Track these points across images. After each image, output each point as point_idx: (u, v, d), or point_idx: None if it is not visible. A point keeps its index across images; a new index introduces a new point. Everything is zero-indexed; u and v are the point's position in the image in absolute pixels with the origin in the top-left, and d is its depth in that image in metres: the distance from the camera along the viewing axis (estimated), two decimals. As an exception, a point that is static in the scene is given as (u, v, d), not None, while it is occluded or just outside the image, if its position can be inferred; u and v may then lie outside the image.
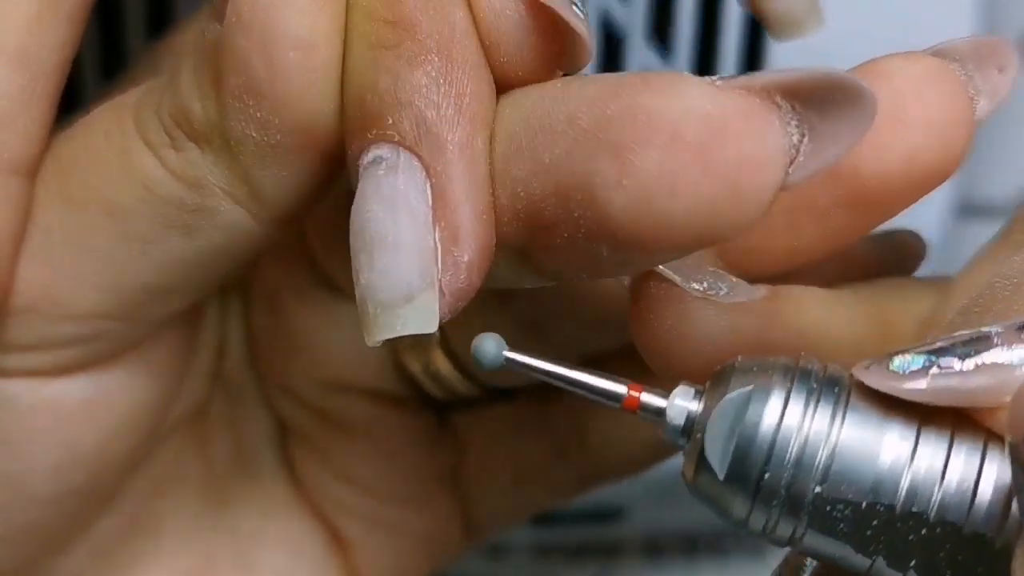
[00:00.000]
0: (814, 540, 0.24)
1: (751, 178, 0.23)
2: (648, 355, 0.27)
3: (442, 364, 0.32)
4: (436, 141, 0.25)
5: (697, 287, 0.26)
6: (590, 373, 0.25)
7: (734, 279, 0.27)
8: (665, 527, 0.47)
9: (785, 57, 0.40)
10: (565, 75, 0.26)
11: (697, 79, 0.24)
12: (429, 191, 0.25)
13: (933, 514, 0.23)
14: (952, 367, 0.23)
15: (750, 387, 0.24)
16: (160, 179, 0.27)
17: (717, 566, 0.48)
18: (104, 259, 0.27)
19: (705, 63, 0.41)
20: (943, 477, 0.23)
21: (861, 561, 0.24)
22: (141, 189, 0.27)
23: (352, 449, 0.33)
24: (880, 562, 0.24)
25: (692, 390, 0.25)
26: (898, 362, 0.24)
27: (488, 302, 0.28)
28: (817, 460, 0.23)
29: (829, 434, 0.23)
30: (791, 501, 0.24)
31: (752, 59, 0.41)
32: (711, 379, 0.25)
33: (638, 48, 0.41)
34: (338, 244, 0.26)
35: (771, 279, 0.28)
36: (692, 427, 0.24)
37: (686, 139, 0.23)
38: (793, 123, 0.24)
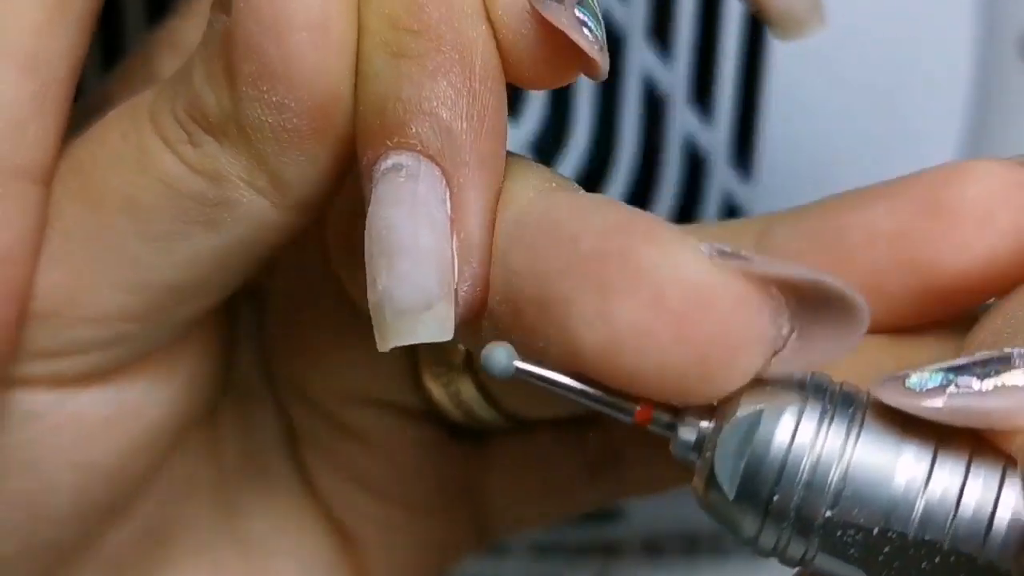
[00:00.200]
0: (825, 562, 0.23)
1: (724, 358, 0.23)
2: None
3: (466, 390, 0.32)
4: (459, 152, 0.25)
5: None
6: (602, 387, 0.24)
7: None
8: (665, 527, 0.47)
9: (785, 57, 0.40)
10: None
11: (698, 248, 0.24)
12: (449, 201, 0.25)
13: (947, 543, 0.23)
14: (970, 386, 0.23)
15: (762, 405, 0.23)
16: (180, 175, 0.27)
17: (717, 566, 0.48)
18: (126, 259, 0.27)
19: (705, 63, 0.41)
20: (958, 504, 0.23)
21: None
22: (161, 186, 0.27)
23: (367, 456, 0.33)
24: None
25: (705, 406, 0.24)
26: (915, 379, 0.23)
27: None
28: (828, 483, 0.23)
29: (842, 456, 0.23)
30: (801, 523, 0.23)
31: (752, 59, 0.41)
32: (723, 396, 0.24)
33: (638, 48, 0.41)
34: (355, 258, 0.26)
35: None
36: (703, 443, 0.24)
37: (667, 303, 0.23)
38: (784, 316, 0.24)
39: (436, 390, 0.32)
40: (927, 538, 0.23)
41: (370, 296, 0.25)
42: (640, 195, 0.42)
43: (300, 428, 0.34)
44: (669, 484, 0.34)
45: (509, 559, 0.46)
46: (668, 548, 0.47)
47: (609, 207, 0.25)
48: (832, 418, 0.23)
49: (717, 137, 0.41)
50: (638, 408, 0.24)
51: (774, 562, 0.25)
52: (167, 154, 0.27)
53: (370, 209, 0.25)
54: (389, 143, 0.25)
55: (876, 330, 0.26)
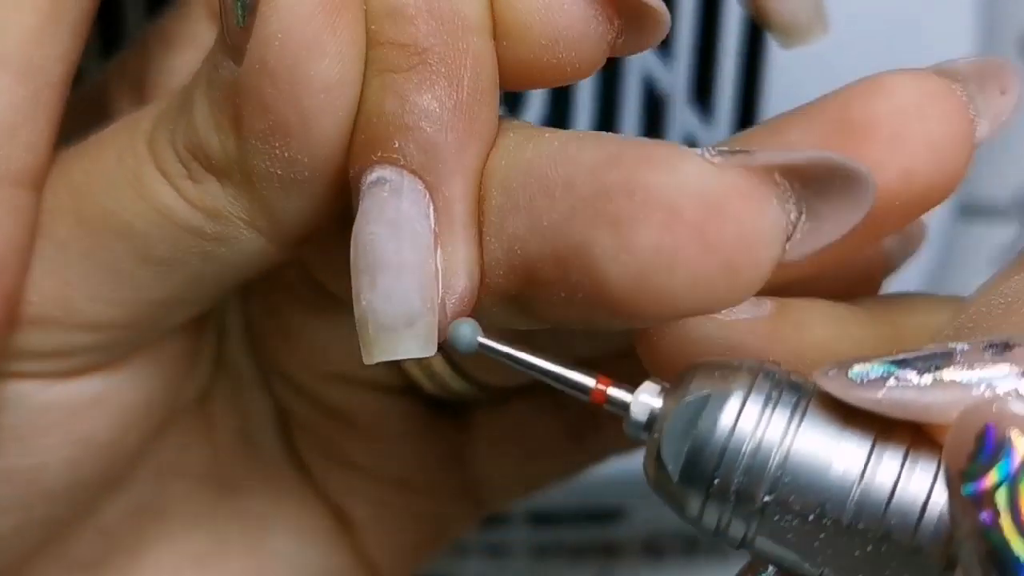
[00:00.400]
0: (764, 545, 0.24)
1: (748, 256, 0.23)
2: (650, 368, 0.27)
3: (438, 365, 0.32)
4: (444, 167, 0.25)
5: None
6: (561, 365, 0.25)
7: None
8: (665, 527, 0.47)
9: (785, 57, 0.40)
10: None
11: (696, 155, 0.24)
12: (432, 215, 0.25)
13: (880, 532, 0.23)
14: (910, 380, 0.23)
15: (708, 391, 0.24)
16: (178, 208, 0.27)
17: (717, 566, 0.48)
18: (119, 277, 0.28)
19: (705, 63, 0.41)
20: (892, 494, 0.23)
21: (810, 571, 0.24)
22: (158, 216, 0.27)
23: (353, 436, 0.33)
24: (828, 574, 0.24)
25: (658, 387, 0.25)
26: (857, 370, 0.23)
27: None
28: (767, 468, 0.23)
29: (782, 443, 0.23)
30: (741, 507, 0.24)
31: (752, 59, 0.41)
32: (676, 379, 0.25)
33: (638, 48, 0.41)
34: (328, 253, 0.26)
35: (779, 288, 0.28)
36: (653, 424, 0.25)
37: (684, 217, 0.23)
38: (791, 201, 0.24)
39: (411, 366, 0.32)
40: (861, 527, 0.23)
41: (355, 310, 0.25)
42: (640, 195, 0.42)
43: (289, 411, 0.34)
44: None
45: (509, 559, 0.47)
46: (668, 548, 0.47)
47: (590, 142, 0.25)
48: (776, 405, 0.24)
49: (717, 136, 0.41)
50: (594, 387, 0.25)
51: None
52: (165, 187, 0.27)
53: (355, 223, 0.25)
54: (374, 157, 0.25)
55: (813, 267, 0.26)
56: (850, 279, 0.30)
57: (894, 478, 0.23)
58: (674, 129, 0.41)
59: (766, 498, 0.23)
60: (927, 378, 0.23)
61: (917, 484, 0.23)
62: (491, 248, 0.25)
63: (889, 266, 0.31)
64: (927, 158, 0.25)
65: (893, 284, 0.32)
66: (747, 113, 0.41)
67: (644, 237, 0.23)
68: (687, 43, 0.41)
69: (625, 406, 0.25)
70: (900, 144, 0.25)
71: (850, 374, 0.23)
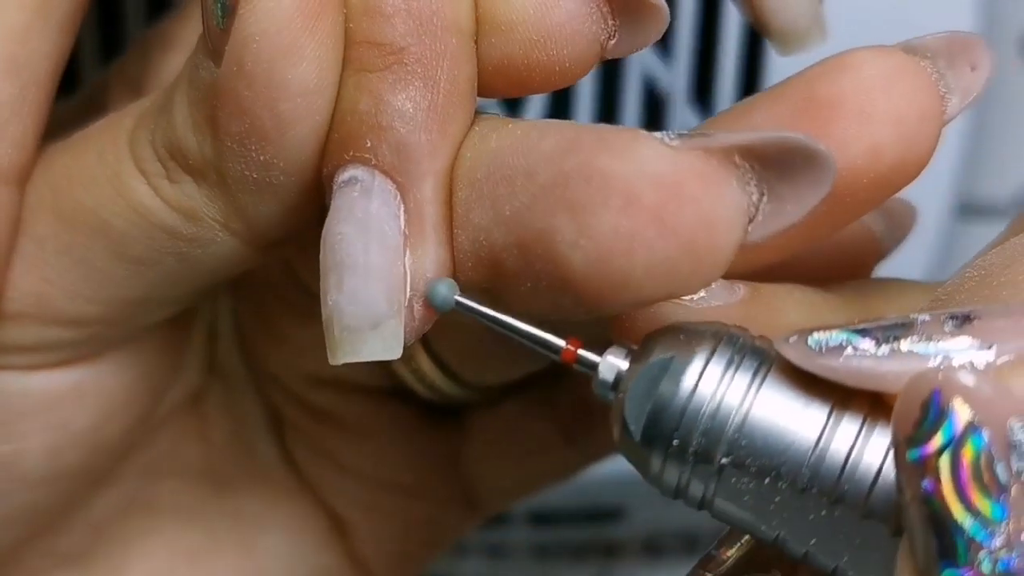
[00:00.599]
0: (722, 506, 0.24)
1: (708, 239, 0.23)
2: None
3: (426, 366, 0.32)
4: (416, 168, 0.25)
5: None
6: (534, 325, 0.25)
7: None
8: (665, 527, 0.47)
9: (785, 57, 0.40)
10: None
11: (654, 139, 0.24)
12: (402, 216, 0.25)
13: (833, 498, 0.23)
14: (867, 349, 0.23)
15: (672, 353, 0.24)
16: (155, 208, 0.27)
17: (717, 566, 0.48)
18: (96, 274, 0.28)
19: (705, 63, 0.41)
20: (846, 462, 0.23)
21: (766, 533, 0.24)
22: (135, 215, 0.27)
23: (344, 438, 0.33)
24: (784, 536, 0.24)
25: (625, 349, 0.25)
26: (816, 337, 0.23)
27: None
28: (726, 431, 0.24)
29: (741, 406, 0.24)
30: (699, 468, 0.24)
31: (752, 59, 0.41)
32: (642, 341, 0.25)
33: (638, 48, 0.41)
34: (312, 254, 0.26)
35: (755, 273, 0.28)
36: (619, 384, 0.25)
37: (641, 201, 0.23)
38: (752, 183, 0.24)
39: (400, 368, 0.32)
40: (815, 491, 0.23)
41: (323, 310, 0.25)
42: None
43: (281, 413, 0.34)
44: None
45: (509, 559, 0.47)
46: (668, 548, 0.47)
47: (550, 130, 0.25)
48: (737, 369, 0.24)
49: (717, 137, 0.41)
50: (565, 347, 0.25)
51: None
52: (143, 185, 0.27)
53: (326, 222, 0.25)
54: (346, 156, 0.25)
55: (785, 249, 0.26)
56: (840, 264, 0.30)
57: (849, 445, 0.23)
58: (674, 128, 0.41)
59: (723, 460, 0.24)
60: (884, 348, 0.23)
61: (872, 451, 0.23)
62: (459, 240, 0.25)
63: (880, 251, 0.31)
64: (894, 134, 0.25)
65: (893, 284, 0.32)
66: (747, 113, 0.41)
67: (602, 222, 0.23)
68: (687, 43, 0.41)
69: (594, 366, 0.25)
70: (866, 120, 0.25)
71: (809, 341, 0.23)
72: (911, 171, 0.26)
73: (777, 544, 0.24)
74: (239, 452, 0.34)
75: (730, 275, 0.27)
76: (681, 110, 0.41)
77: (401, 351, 0.25)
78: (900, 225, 0.32)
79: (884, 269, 0.32)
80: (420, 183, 0.25)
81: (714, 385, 0.24)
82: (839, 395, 0.24)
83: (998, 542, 0.21)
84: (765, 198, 0.24)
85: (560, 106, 0.41)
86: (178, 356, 0.32)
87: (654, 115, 0.41)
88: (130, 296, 0.28)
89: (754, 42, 0.41)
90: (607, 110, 0.41)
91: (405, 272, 0.25)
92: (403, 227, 0.25)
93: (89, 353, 0.29)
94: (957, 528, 0.21)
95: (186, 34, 0.32)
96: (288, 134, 0.25)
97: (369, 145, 0.25)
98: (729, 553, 0.26)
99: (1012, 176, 0.46)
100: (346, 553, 0.34)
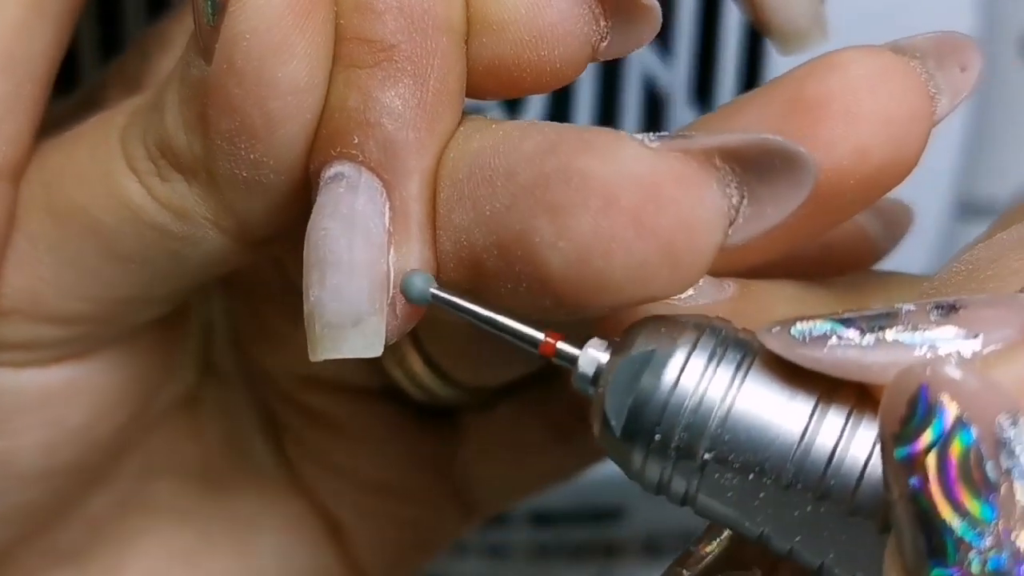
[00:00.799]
0: (705, 502, 0.24)
1: (687, 242, 0.23)
2: None
3: (418, 368, 0.32)
4: (403, 165, 0.25)
5: None
6: (512, 318, 0.25)
7: (701, 279, 0.27)
8: (665, 527, 0.47)
9: (785, 57, 0.40)
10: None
11: (634, 140, 0.24)
12: (388, 213, 0.25)
13: (819, 493, 0.23)
14: (852, 339, 0.23)
15: (653, 346, 0.24)
16: (146, 206, 0.27)
17: (717, 566, 0.48)
18: (87, 273, 0.28)
19: (705, 63, 0.41)
20: (832, 456, 0.23)
21: (750, 530, 0.24)
22: (126, 212, 0.27)
23: (338, 440, 0.33)
24: (768, 533, 0.24)
25: (606, 343, 0.25)
26: (800, 327, 0.23)
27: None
28: (708, 425, 0.23)
29: (723, 400, 0.23)
30: (681, 463, 0.24)
31: (752, 59, 0.41)
32: (623, 334, 0.25)
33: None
34: (301, 250, 0.26)
35: (747, 272, 0.27)
36: (599, 378, 0.25)
37: (620, 203, 0.23)
38: (732, 185, 0.24)
39: (393, 369, 0.32)
40: (800, 487, 0.23)
41: (304, 306, 0.25)
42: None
43: (275, 413, 0.34)
44: None
45: (509, 559, 0.46)
46: (668, 548, 0.47)
47: (532, 131, 0.25)
48: (720, 362, 0.24)
49: (717, 137, 0.41)
50: (544, 340, 0.25)
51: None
52: (134, 183, 0.27)
53: (311, 218, 0.25)
54: (333, 152, 0.25)
55: (773, 250, 0.26)
56: (835, 265, 0.30)
57: (835, 439, 0.23)
58: (674, 128, 0.41)
59: (706, 455, 0.23)
60: (869, 338, 0.23)
61: (858, 446, 0.23)
62: (440, 241, 0.25)
63: (876, 252, 0.31)
64: (881, 134, 0.25)
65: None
66: (747, 113, 0.41)
67: (581, 223, 0.23)
68: (687, 43, 0.41)
69: (573, 360, 0.25)
70: (853, 120, 0.25)
71: (792, 331, 0.23)
72: (900, 172, 0.26)
73: (761, 541, 0.24)
74: (234, 452, 0.34)
75: (719, 275, 0.27)
76: (681, 110, 0.41)
77: (382, 349, 0.25)
78: (896, 226, 0.31)
79: (883, 269, 0.31)
80: (406, 181, 0.25)
81: (696, 378, 0.24)
82: (824, 387, 0.23)
83: (988, 542, 0.20)
84: (745, 201, 0.24)
85: (560, 106, 0.41)
86: (172, 355, 0.32)
87: (654, 115, 0.41)
88: (121, 294, 0.28)
89: (754, 42, 0.41)
90: (607, 110, 0.41)
91: (389, 270, 0.25)
92: (388, 225, 0.25)
93: (82, 350, 0.29)
94: (946, 528, 0.21)
95: (186, 34, 0.32)
96: (278, 132, 0.25)
97: (356, 141, 0.25)
98: (708, 550, 0.25)
99: (1012, 176, 0.46)
100: (341, 554, 0.34)
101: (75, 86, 0.29)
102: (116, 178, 0.27)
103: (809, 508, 0.23)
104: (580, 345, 0.25)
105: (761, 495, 0.23)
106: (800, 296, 0.27)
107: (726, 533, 0.25)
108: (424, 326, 0.26)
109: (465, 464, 0.34)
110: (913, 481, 0.21)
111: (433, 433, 0.34)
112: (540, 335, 0.25)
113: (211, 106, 0.25)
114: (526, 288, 0.24)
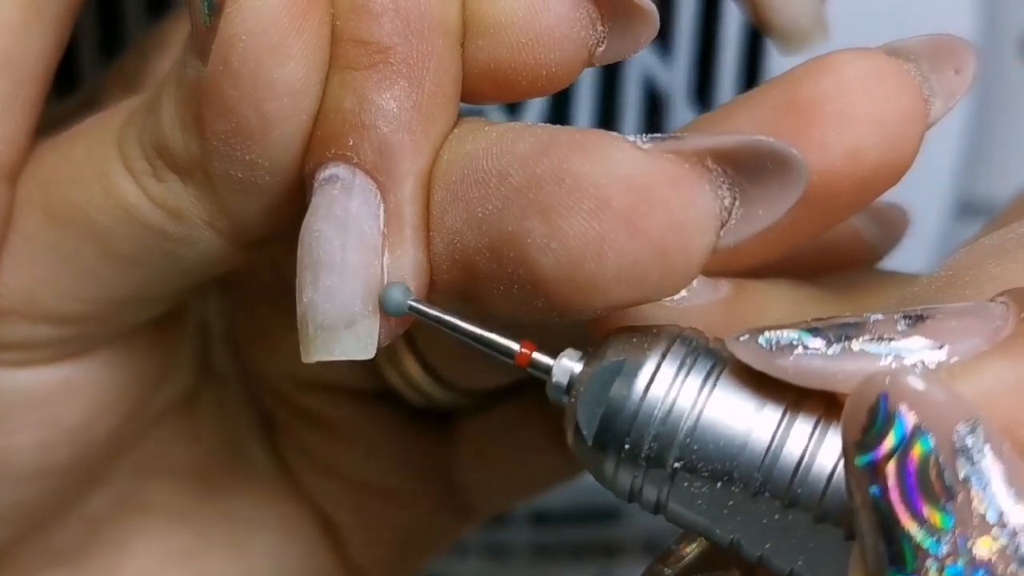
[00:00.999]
0: (676, 511, 0.24)
1: (679, 243, 0.23)
2: None
3: (414, 371, 0.32)
4: (397, 168, 0.25)
5: None
6: (488, 330, 0.25)
7: (695, 280, 0.27)
8: (665, 527, 0.47)
9: (785, 57, 0.40)
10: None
11: (626, 142, 0.24)
12: (382, 215, 0.25)
13: (786, 501, 0.23)
14: (819, 348, 0.23)
15: (624, 356, 0.24)
16: (141, 206, 0.27)
17: (717, 566, 0.48)
18: (84, 273, 0.28)
19: (705, 63, 0.41)
20: (799, 464, 0.23)
21: (721, 537, 0.24)
22: (122, 213, 0.27)
23: (335, 442, 0.33)
24: (738, 540, 0.24)
25: (580, 353, 0.25)
26: (767, 336, 0.23)
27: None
28: (677, 435, 0.23)
29: (692, 409, 0.23)
30: (652, 472, 0.24)
31: (752, 59, 0.41)
32: (596, 344, 0.25)
33: (638, 48, 0.41)
34: (295, 252, 0.26)
35: (741, 273, 0.27)
36: (572, 388, 0.25)
37: (612, 204, 0.23)
38: (724, 187, 0.24)
39: (389, 372, 0.32)
40: (768, 495, 0.23)
41: (297, 307, 0.25)
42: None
43: (273, 415, 0.34)
44: None
45: (509, 559, 0.46)
46: (668, 548, 0.47)
47: (525, 133, 0.25)
48: (689, 372, 0.24)
49: (717, 137, 0.41)
50: (519, 351, 0.25)
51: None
52: (130, 184, 0.27)
53: (305, 219, 0.25)
54: (328, 154, 0.25)
55: (767, 253, 0.26)
56: (832, 268, 0.30)
57: (803, 447, 0.23)
58: (674, 128, 0.41)
59: (676, 464, 0.23)
60: (836, 347, 0.23)
61: (825, 454, 0.23)
62: (434, 243, 0.25)
63: (872, 256, 0.31)
64: (875, 136, 0.25)
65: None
66: (747, 113, 0.41)
67: (573, 225, 0.23)
68: (687, 43, 0.41)
69: (548, 370, 0.25)
70: (846, 122, 0.25)
71: (760, 340, 0.23)
72: (893, 174, 0.26)
73: (732, 548, 0.24)
74: (231, 453, 0.34)
75: (713, 276, 0.27)
76: (681, 110, 0.41)
77: (375, 351, 0.25)
78: (892, 229, 0.31)
79: (880, 269, 0.31)
80: (401, 183, 0.25)
81: (666, 388, 0.24)
82: (793, 396, 0.23)
83: (945, 549, 0.20)
84: (737, 202, 0.24)
85: (560, 107, 0.41)
86: (169, 356, 0.32)
87: (654, 115, 0.41)
88: (117, 294, 0.28)
89: (754, 42, 0.41)
90: (607, 110, 0.41)
91: (382, 272, 0.25)
92: (382, 227, 0.25)
93: (78, 350, 0.29)
94: (904, 535, 0.21)
95: (185, 36, 0.33)
96: (273, 133, 0.25)
97: (351, 143, 0.25)
98: (688, 549, 0.26)
99: (1012, 176, 0.46)
100: (337, 556, 0.34)
101: (75, 87, 0.29)
102: (112, 178, 0.27)
103: (777, 516, 0.23)
104: (554, 355, 0.25)
105: (730, 503, 0.23)
106: (795, 296, 0.27)
107: (700, 539, 0.25)
108: (420, 329, 0.26)
109: (462, 467, 0.34)
110: (874, 489, 0.21)
111: (430, 436, 0.34)
112: (515, 346, 0.25)
113: (207, 107, 0.25)
114: (519, 290, 0.24)
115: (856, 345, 0.23)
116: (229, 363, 0.33)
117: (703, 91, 0.41)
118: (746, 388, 0.24)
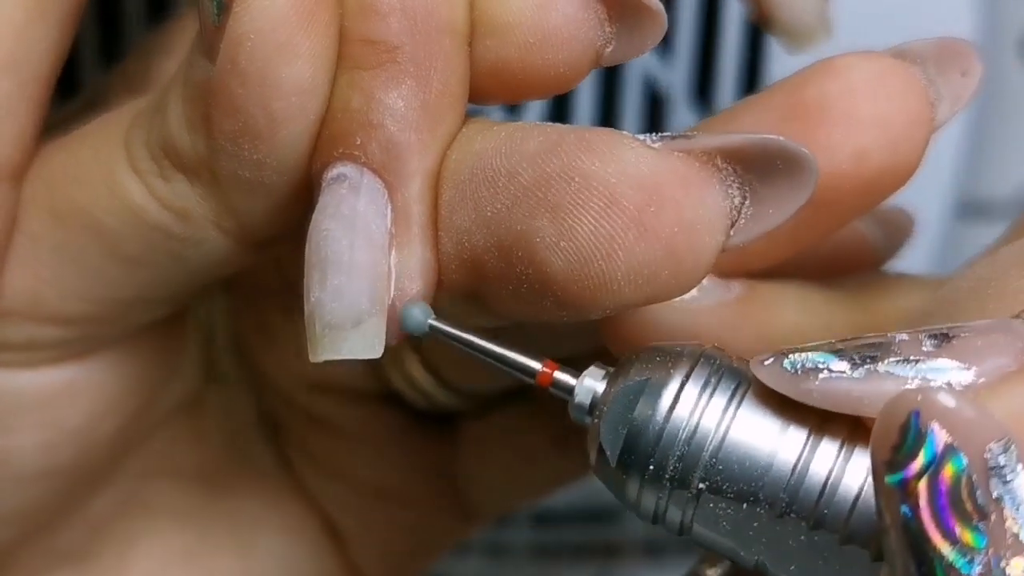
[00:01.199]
0: (701, 532, 0.24)
1: (688, 242, 0.23)
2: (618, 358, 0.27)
3: (418, 373, 0.32)
4: (405, 167, 0.25)
5: None
6: (509, 348, 0.25)
7: (706, 280, 0.27)
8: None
9: (785, 57, 0.40)
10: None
11: (636, 141, 0.24)
12: (390, 214, 0.25)
13: (812, 523, 0.23)
14: (844, 371, 0.23)
15: (648, 375, 0.24)
16: (148, 207, 0.27)
17: (717, 566, 0.48)
18: (89, 273, 0.28)
19: (705, 63, 0.41)
20: (826, 485, 0.23)
21: (746, 559, 0.24)
22: (128, 214, 0.27)
23: (337, 444, 0.33)
24: (763, 561, 0.24)
25: (603, 372, 0.25)
26: (791, 360, 0.23)
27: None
28: (702, 455, 0.23)
29: (717, 430, 0.23)
30: (676, 493, 0.24)
31: (752, 59, 0.41)
32: (619, 363, 0.25)
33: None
34: (302, 252, 0.26)
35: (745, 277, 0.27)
36: (595, 408, 0.25)
37: (622, 204, 0.23)
38: (734, 186, 0.24)
39: (394, 375, 0.32)
40: (794, 516, 0.23)
41: (304, 306, 0.25)
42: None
43: (277, 417, 0.34)
44: None
45: (509, 559, 0.46)
46: (668, 549, 0.47)
47: (534, 131, 0.25)
48: (714, 392, 0.24)
49: (717, 137, 0.41)
50: (540, 371, 0.25)
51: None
52: (137, 184, 0.27)
53: (312, 218, 0.25)
54: (336, 153, 0.25)
55: (773, 255, 0.26)
56: (837, 273, 0.30)
57: (828, 468, 0.23)
58: (674, 128, 0.41)
59: (700, 485, 0.23)
60: (860, 370, 0.23)
61: (852, 474, 0.23)
62: (442, 242, 0.25)
63: (877, 259, 0.31)
64: (880, 139, 0.25)
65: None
66: (747, 113, 0.41)
67: (583, 224, 0.23)
68: (687, 43, 0.41)
69: (570, 390, 0.25)
70: (852, 125, 0.25)
71: (784, 363, 0.23)
72: (899, 176, 0.26)
73: (758, 569, 0.24)
74: (235, 455, 0.34)
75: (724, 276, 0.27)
76: (681, 110, 0.41)
77: (382, 351, 0.25)
78: (897, 233, 0.31)
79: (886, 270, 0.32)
80: (408, 182, 0.25)
81: (690, 408, 0.24)
82: (818, 416, 0.23)
83: (978, 570, 0.20)
84: (747, 201, 0.24)
85: (560, 106, 0.41)
86: (173, 357, 0.32)
87: (654, 115, 0.41)
88: (123, 295, 0.28)
89: (755, 42, 0.41)
90: (607, 110, 0.41)
91: (390, 271, 0.25)
92: (390, 226, 0.25)
93: (82, 351, 0.29)
94: (936, 555, 0.20)
95: (188, 37, 0.32)
96: (281, 133, 0.25)
97: (359, 142, 0.25)
98: (712, 571, 0.25)
99: (1012, 176, 0.46)
100: (341, 557, 0.34)
101: (76, 89, 0.29)
102: (118, 178, 0.27)
103: (803, 537, 0.23)
104: (576, 375, 0.25)
105: (755, 524, 0.23)
106: (806, 297, 0.27)
107: (727, 561, 0.25)
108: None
109: (465, 469, 0.34)
110: (904, 508, 0.21)
111: (433, 438, 0.34)
112: (537, 365, 0.25)
113: (214, 106, 0.25)
114: (527, 289, 0.24)
115: (882, 367, 0.23)
116: (233, 364, 0.33)
117: (703, 91, 0.41)
118: (771, 408, 0.23)
